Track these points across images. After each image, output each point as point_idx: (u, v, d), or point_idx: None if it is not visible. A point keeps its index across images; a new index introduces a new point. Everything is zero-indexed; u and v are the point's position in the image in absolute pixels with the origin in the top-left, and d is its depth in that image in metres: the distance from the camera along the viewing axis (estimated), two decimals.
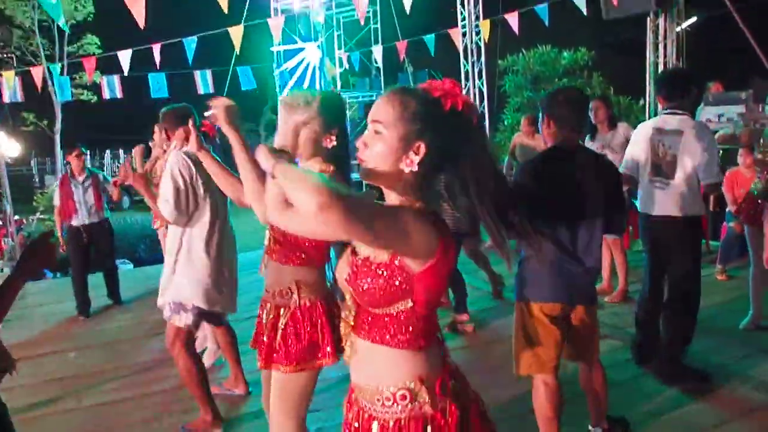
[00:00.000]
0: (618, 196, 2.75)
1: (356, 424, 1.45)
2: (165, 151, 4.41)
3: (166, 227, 3.73)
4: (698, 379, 3.63)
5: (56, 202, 5.89)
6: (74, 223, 5.75)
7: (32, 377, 4.20)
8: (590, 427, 2.98)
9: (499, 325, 4.80)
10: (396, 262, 1.32)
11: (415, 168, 1.34)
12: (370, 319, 1.39)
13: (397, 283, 1.31)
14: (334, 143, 2.12)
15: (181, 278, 3.17)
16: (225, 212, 3.34)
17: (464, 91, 1.51)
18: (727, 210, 5.76)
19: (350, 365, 1.48)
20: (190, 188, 3.12)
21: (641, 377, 3.72)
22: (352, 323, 1.44)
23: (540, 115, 2.77)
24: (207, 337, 4.24)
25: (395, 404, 1.37)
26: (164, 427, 3.41)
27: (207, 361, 4.15)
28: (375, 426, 1.39)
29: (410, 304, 1.34)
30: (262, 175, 1.99)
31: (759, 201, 4.20)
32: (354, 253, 1.44)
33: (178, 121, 3.31)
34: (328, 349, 2.16)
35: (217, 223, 3.23)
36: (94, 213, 5.79)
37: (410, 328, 1.36)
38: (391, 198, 1.40)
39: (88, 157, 25.28)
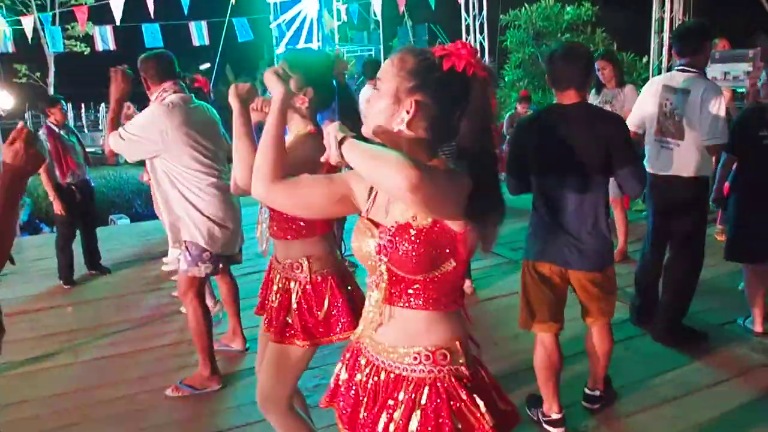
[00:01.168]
0: (626, 151, 2.58)
1: (373, 381, 1.42)
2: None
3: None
4: (695, 339, 3.65)
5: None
6: (68, 180, 5.20)
7: (30, 332, 4.20)
8: (586, 389, 2.99)
9: (496, 283, 4.81)
10: (438, 225, 1.29)
11: (404, 127, 1.29)
12: (408, 286, 1.35)
13: (441, 245, 1.30)
14: (307, 104, 2.03)
15: (187, 224, 3.16)
16: (217, 158, 3.26)
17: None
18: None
19: (367, 331, 1.44)
20: (155, 140, 3.03)
21: (639, 337, 3.73)
22: (382, 295, 1.38)
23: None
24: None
25: (433, 363, 1.35)
26: (162, 383, 3.41)
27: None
28: (404, 386, 1.36)
29: (453, 264, 1.32)
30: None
31: None
32: (373, 223, 1.39)
33: (162, 72, 3.18)
34: (343, 320, 2.10)
35: (207, 170, 3.16)
36: (86, 168, 5.44)
37: (450, 289, 1.36)
38: None
39: (83, 111, 24.79)
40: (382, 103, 1.32)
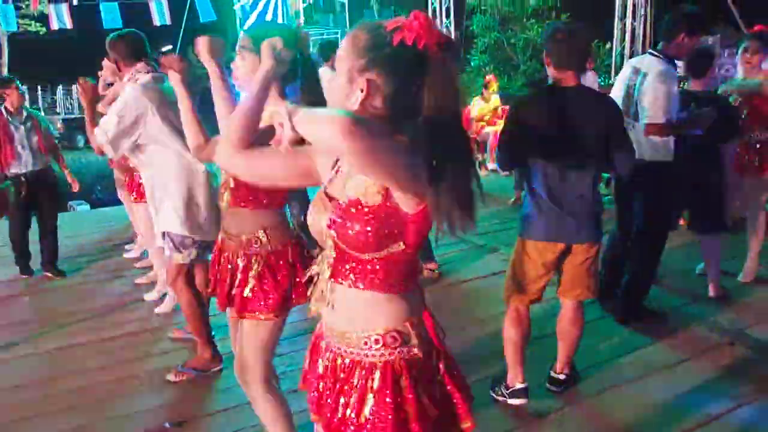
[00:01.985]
0: (619, 134, 2.72)
1: (332, 366, 1.41)
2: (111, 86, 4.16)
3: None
4: (656, 321, 3.74)
5: None
6: (14, 170, 4.76)
7: None
8: (552, 372, 3.04)
9: (463, 268, 4.85)
10: (389, 203, 1.26)
11: (357, 106, 1.25)
12: (354, 264, 1.33)
13: (389, 225, 1.26)
14: None
15: (166, 211, 3.09)
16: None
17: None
18: None
19: (323, 312, 1.43)
20: (138, 125, 2.98)
21: (601, 319, 3.80)
22: (326, 269, 1.38)
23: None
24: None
25: (384, 347, 1.33)
26: (125, 372, 3.36)
27: (167, 306, 4.09)
28: (358, 371, 1.36)
29: (402, 246, 1.29)
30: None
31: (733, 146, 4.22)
32: (329, 197, 1.37)
33: (133, 52, 3.13)
34: (301, 284, 2.12)
35: (186, 153, 3.09)
36: (39, 158, 4.85)
37: (399, 271, 1.33)
38: None
39: (39, 93, 23.87)
40: (338, 83, 1.30)
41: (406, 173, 1.21)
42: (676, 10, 3.50)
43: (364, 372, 1.35)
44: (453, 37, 12.61)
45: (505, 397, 2.92)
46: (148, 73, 3.13)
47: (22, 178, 4.77)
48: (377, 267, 1.32)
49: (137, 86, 3.03)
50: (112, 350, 3.65)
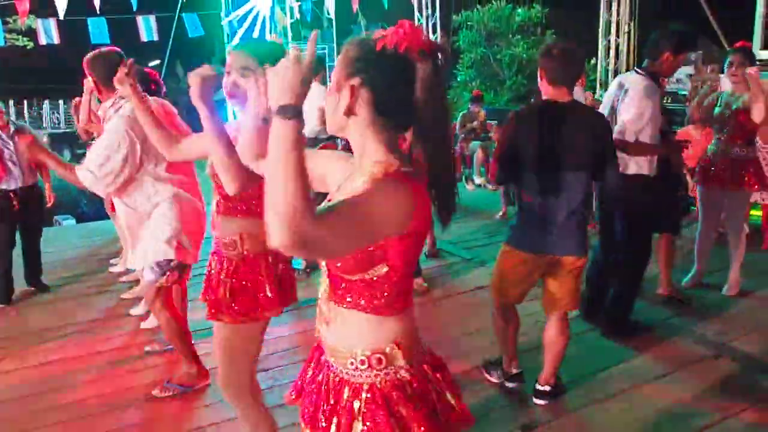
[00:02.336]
0: (610, 150, 2.84)
1: (325, 385, 1.41)
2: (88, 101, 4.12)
3: None
4: (641, 334, 3.77)
5: None
6: (3, 186, 4.60)
7: None
8: (537, 385, 3.05)
9: (451, 281, 4.86)
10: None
11: (342, 112, 1.27)
12: (343, 285, 1.33)
13: (371, 249, 1.25)
14: None
15: (157, 236, 3.05)
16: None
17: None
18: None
19: (321, 330, 1.43)
20: (127, 163, 2.88)
21: (588, 332, 3.83)
22: (325, 289, 1.38)
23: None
24: None
25: (370, 368, 1.33)
26: (112, 387, 3.32)
27: (153, 321, 4.06)
28: (346, 390, 1.35)
29: (385, 269, 1.28)
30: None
31: (714, 159, 4.28)
32: None
33: (111, 70, 2.82)
34: (269, 297, 2.14)
35: (172, 181, 3.10)
36: (28, 173, 4.71)
37: (385, 293, 1.31)
38: (365, 164, 1.30)
39: (25, 107, 23.57)
40: (330, 97, 1.31)
41: (372, 233, 1.20)
42: (663, 28, 3.53)
43: (351, 392, 1.34)
44: (444, 46, 12.73)
45: (502, 379, 3.16)
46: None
47: (11, 194, 4.62)
48: (363, 288, 1.31)
49: (122, 120, 2.90)
50: (99, 365, 3.61)
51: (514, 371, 3.12)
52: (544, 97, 2.82)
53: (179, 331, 3.22)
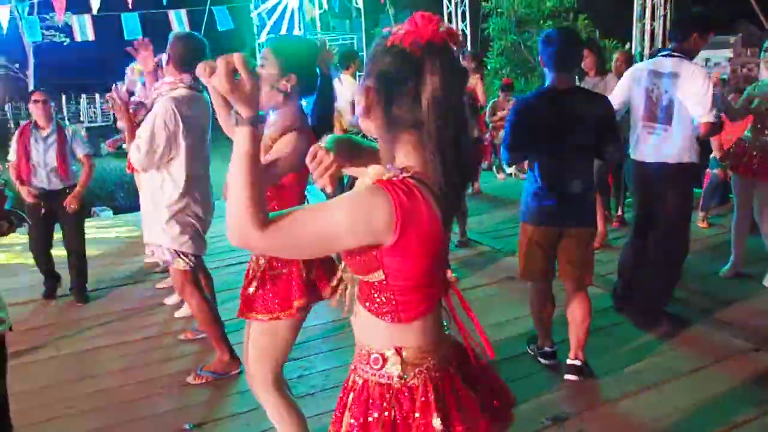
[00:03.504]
0: (610, 131, 2.95)
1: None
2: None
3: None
4: (676, 326, 3.68)
5: (12, 156, 4.49)
6: (33, 186, 4.45)
7: None
8: (568, 360, 3.11)
9: (479, 271, 4.83)
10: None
11: (361, 116, 1.25)
12: (358, 281, 1.33)
13: (371, 253, 1.21)
14: (288, 89, 2.04)
15: (171, 225, 3.13)
16: (205, 158, 3.28)
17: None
18: (711, 156, 5.76)
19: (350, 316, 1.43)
20: (170, 139, 3.03)
21: (621, 324, 3.76)
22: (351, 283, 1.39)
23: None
24: None
25: (368, 365, 1.32)
26: (146, 375, 3.39)
27: (187, 310, 4.12)
28: (350, 380, 1.38)
29: (382, 276, 1.24)
30: None
31: (748, 148, 4.16)
32: None
33: (185, 61, 3.06)
34: (297, 292, 2.11)
35: (196, 169, 3.17)
36: (54, 178, 4.46)
37: (386, 300, 1.27)
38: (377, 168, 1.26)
39: (63, 101, 23.88)
40: (359, 96, 1.28)
41: (335, 240, 1.18)
42: (685, 11, 3.70)
43: (350, 384, 1.36)
44: (470, 41, 12.59)
45: (536, 354, 3.30)
46: (187, 88, 3.12)
47: (37, 197, 4.43)
48: (367, 289, 1.30)
49: (169, 100, 3.03)
50: (134, 353, 3.69)
51: (547, 349, 3.26)
52: (548, 84, 2.95)
53: (210, 316, 3.26)
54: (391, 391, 1.29)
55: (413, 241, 1.18)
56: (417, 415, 1.26)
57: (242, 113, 1.18)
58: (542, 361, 3.27)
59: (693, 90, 3.36)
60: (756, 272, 4.32)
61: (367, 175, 1.26)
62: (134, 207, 7.47)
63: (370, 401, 1.30)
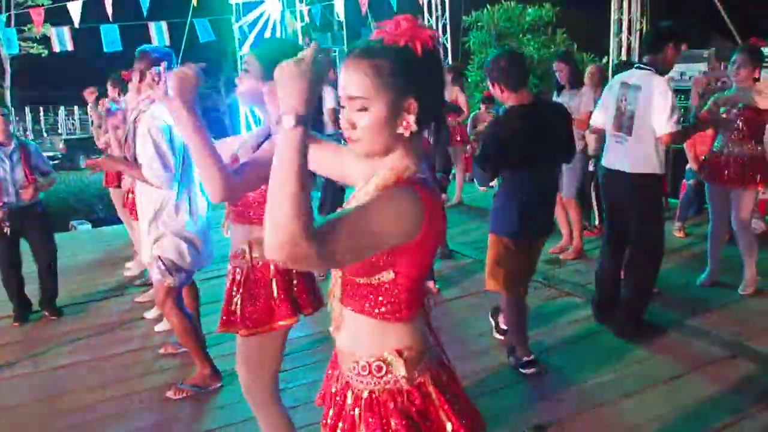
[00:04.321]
0: (570, 136, 3.25)
1: (335, 387, 1.41)
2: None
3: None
4: (655, 334, 3.73)
5: None
6: None
7: None
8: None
9: (461, 282, 4.84)
10: None
11: (414, 128, 1.21)
12: (350, 287, 1.32)
13: (378, 253, 1.21)
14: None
15: (168, 238, 3.11)
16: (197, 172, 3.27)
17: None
18: (687, 167, 5.85)
19: (332, 331, 1.42)
20: (168, 149, 3.02)
21: (601, 333, 3.79)
22: (338, 291, 1.36)
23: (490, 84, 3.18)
24: None
25: (370, 375, 1.31)
26: (125, 390, 3.35)
27: (167, 323, 4.07)
28: (349, 394, 1.35)
29: (392, 275, 1.25)
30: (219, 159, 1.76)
31: (722, 158, 4.22)
32: None
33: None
34: (281, 307, 2.08)
35: (189, 180, 3.16)
36: (25, 192, 4.28)
37: (391, 299, 1.28)
38: (383, 168, 1.26)
39: (41, 114, 23.61)
40: (377, 119, 1.19)
41: (379, 239, 1.17)
42: (658, 24, 3.76)
43: (353, 399, 1.34)
44: (450, 55, 12.69)
45: (516, 365, 3.34)
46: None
47: (2, 215, 4.25)
48: (368, 292, 1.28)
49: (151, 116, 3.03)
50: (113, 368, 3.64)
51: (526, 359, 3.32)
52: (508, 104, 3.09)
53: (191, 331, 3.23)
54: (402, 394, 1.30)
55: (432, 237, 1.23)
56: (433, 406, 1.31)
57: (295, 111, 1.08)
58: (522, 371, 3.29)
59: (654, 102, 3.43)
60: (732, 281, 4.39)
61: (377, 176, 1.26)
62: (113, 221, 7.37)
63: (383, 410, 1.29)
